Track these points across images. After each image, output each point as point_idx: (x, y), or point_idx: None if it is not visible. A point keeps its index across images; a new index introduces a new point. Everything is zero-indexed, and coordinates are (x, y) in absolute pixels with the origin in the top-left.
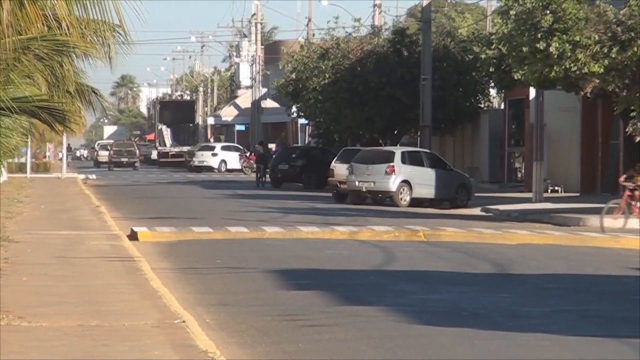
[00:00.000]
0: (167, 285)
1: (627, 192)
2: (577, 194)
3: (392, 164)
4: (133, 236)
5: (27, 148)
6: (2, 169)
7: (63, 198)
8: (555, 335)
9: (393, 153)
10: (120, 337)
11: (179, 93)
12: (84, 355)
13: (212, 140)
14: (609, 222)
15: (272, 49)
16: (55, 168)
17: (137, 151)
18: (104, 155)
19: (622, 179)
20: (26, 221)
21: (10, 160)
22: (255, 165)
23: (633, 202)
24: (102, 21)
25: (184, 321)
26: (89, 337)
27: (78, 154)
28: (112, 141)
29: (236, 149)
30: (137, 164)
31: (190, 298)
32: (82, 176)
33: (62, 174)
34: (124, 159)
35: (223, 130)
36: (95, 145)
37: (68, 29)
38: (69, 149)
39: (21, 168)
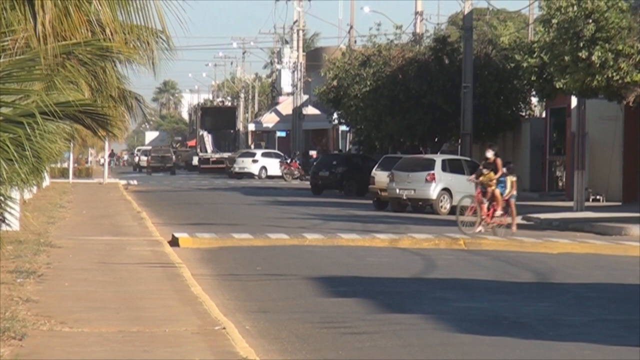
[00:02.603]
0: (208, 292)
1: None
2: (619, 203)
3: (432, 171)
4: (174, 242)
5: (70, 153)
6: (45, 173)
7: (104, 203)
8: (597, 344)
9: (433, 161)
10: (161, 343)
11: (220, 99)
12: None
13: (252, 146)
14: None
15: (313, 56)
16: (97, 173)
17: (174, 157)
18: (143, 160)
19: None
20: (68, 226)
21: (53, 165)
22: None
23: None
24: (145, 27)
25: (224, 328)
26: (130, 343)
27: (125, 157)
28: (150, 147)
29: (277, 156)
30: (174, 169)
31: (230, 305)
32: (123, 182)
33: (104, 180)
34: (161, 164)
35: (264, 137)
36: (135, 151)
37: (112, 34)
38: (112, 154)
39: (63, 173)
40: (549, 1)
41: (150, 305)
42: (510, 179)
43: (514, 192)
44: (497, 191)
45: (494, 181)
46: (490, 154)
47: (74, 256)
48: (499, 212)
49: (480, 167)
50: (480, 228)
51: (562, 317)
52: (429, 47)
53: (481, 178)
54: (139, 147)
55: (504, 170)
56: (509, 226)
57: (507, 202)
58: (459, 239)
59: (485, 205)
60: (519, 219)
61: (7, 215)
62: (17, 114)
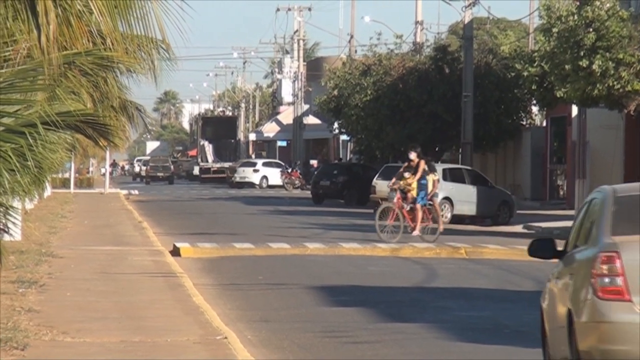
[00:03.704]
0: (209, 301)
1: None
2: None
3: None
4: (175, 252)
5: (71, 163)
6: (47, 183)
7: (106, 213)
8: None
9: None
10: (163, 353)
11: (221, 109)
12: None
13: (253, 156)
14: None
15: (314, 66)
16: (98, 183)
17: (172, 167)
18: (142, 170)
19: None
20: (70, 236)
21: (54, 175)
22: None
23: None
24: (145, 37)
25: (225, 337)
26: (132, 353)
27: (126, 167)
28: (149, 157)
29: (278, 165)
30: (172, 178)
31: (232, 314)
32: (124, 191)
33: (105, 190)
34: (159, 174)
35: (265, 146)
36: (134, 161)
37: (112, 44)
38: (114, 164)
39: (65, 183)
40: (549, 10)
41: (151, 315)
42: (432, 178)
43: (437, 191)
44: (419, 206)
45: (413, 185)
46: (413, 155)
47: (75, 266)
48: (419, 221)
49: (401, 171)
50: (416, 232)
51: None
52: (429, 56)
53: (401, 182)
54: (138, 157)
55: (426, 168)
56: (434, 228)
57: (432, 200)
58: (460, 247)
59: (407, 210)
60: (519, 228)
61: (9, 225)
62: (19, 124)
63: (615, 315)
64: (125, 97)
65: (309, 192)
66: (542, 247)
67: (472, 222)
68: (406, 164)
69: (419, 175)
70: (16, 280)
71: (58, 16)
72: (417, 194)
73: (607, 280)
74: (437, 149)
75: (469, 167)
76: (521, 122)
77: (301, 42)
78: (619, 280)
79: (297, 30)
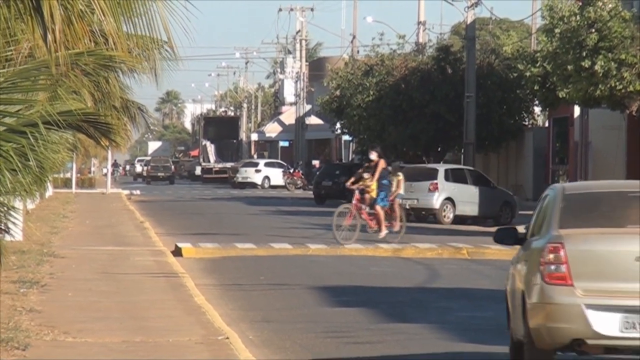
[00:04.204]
0: (211, 302)
1: None
2: None
3: (435, 181)
4: (177, 252)
5: (73, 163)
6: (48, 183)
7: (108, 213)
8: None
9: (436, 170)
10: (165, 353)
11: (223, 109)
12: None
13: (255, 156)
14: None
15: (316, 66)
16: (100, 183)
17: (173, 167)
18: (142, 170)
19: None
20: (71, 236)
21: (56, 175)
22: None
23: None
24: (149, 37)
25: (227, 338)
26: (133, 353)
27: (127, 167)
28: (150, 157)
29: (280, 165)
30: (172, 178)
31: (233, 314)
32: (126, 192)
33: (107, 190)
34: (160, 174)
35: (267, 147)
36: (135, 161)
37: (115, 44)
38: (115, 164)
39: (66, 183)
40: (551, 11)
41: (153, 315)
42: (397, 178)
43: (400, 191)
44: (378, 208)
45: (372, 187)
46: (373, 155)
47: (77, 266)
48: (382, 221)
49: (361, 171)
50: (383, 233)
51: None
52: (431, 56)
53: (360, 183)
54: (139, 158)
55: (389, 168)
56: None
57: (393, 202)
58: (462, 248)
59: (366, 211)
60: (521, 229)
61: (10, 225)
62: (20, 123)
63: (559, 297)
64: (127, 97)
65: (311, 192)
66: (505, 234)
67: (474, 223)
68: (367, 164)
69: (377, 175)
70: (18, 280)
71: (60, 15)
72: (377, 195)
73: (553, 267)
74: (439, 149)
75: (471, 168)
76: (523, 122)
77: (303, 42)
78: (563, 268)
79: (299, 31)
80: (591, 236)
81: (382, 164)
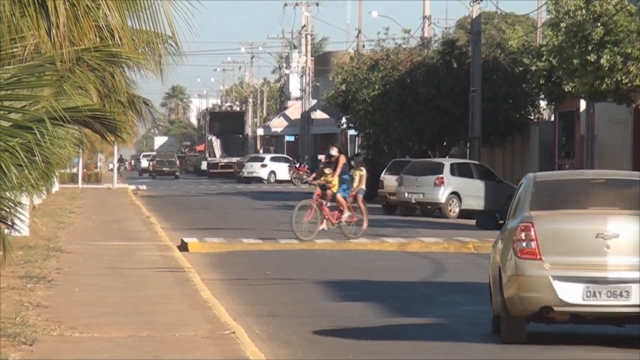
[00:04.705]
0: (217, 296)
1: None
2: None
3: (441, 175)
4: (183, 247)
5: (79, 158)
6: (55, 179)
7: (114, 208)
8: (606, 347)
9: (442, 165)
10: (171, 348)
11: (228, 104)
12: None
13: (261, 151)
14: None
15: (321, 61)
16: (106, 178)
17: (178, 162)
18: (148, 165)
19: None
20: (78, 231)
21: (62, 171)
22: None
23: None
24: (154, 32)
25: (233, 332)
26: (140, 348)
27: (132, 162)
28: (155, 153)
29: (285, 160)
30: (177, 173)
31: (239, 309)
32: (132, 187)
33: (113, 185)
34: (165, 168)
35: (272, 141)
36: (140, 157)
37: (120, 40)
38: (121, 159)
39: (73, 178)
40: (557, 5)
41: (160, 310)
42: (359, 173)
43: (362, 187)
44: (339, 196)
45: (334, 182)
46: (334, 151)
47: (83, 261)
48: (347, 214)
49: (322, 167)
50: (323, 226)
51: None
52: (437, 51)
53: (322, 178)
54: (144, 153)
55: (352, 163)
56: (359, 223)
57: (355, 197)
58: (468, 242)
59: (327, 206)
60: None
61: (16, 220)
62: (26, 119)
63: (530, 270)
64: (133, 92)
65: None
66: (486, 220)
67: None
68: (327, 159)
69: (338, 171)
70: (24, 275)
71: (66, 11)
72: (338, 188)
73: (524, 244)
74: (445, 144)
75: (476, 162)
76: (529, 116)
77: (309, 37)
78: (533, 244)
79: (304, 25)
80: (557, 217)
81: (342, 159)
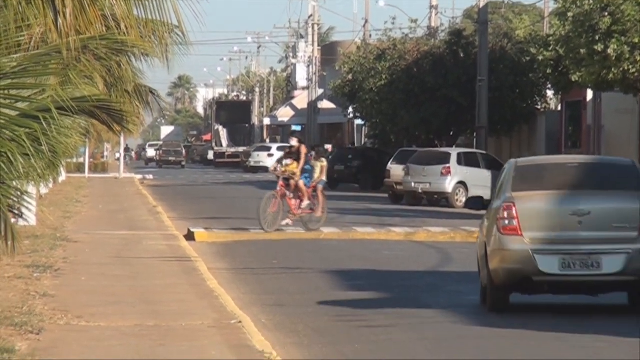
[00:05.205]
0: (224, 286)
1: None
2: None
3: (448, 165)
4: (190, 236)
5: (86, 148)
6: (61, 168)
7: (120, 198)
8: (613, 337)
9: (449, 154)
10: (178, 337)
11: (235, 93)
12: (141, 356)
13: (268, 140)
14: None
15: (328, 50)
16: (113, 168)
17: (184, 151)
18: (154, 155)
19: None
20: (84, 221)
21: (69, 160)
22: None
23: None
24: (160, 22)
25: (240, 321)
26: (147, 337)
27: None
28: (161, 142)
29: None
30: (183, 163)
31: (246, 298)
32: (139, 176)
33: (120, 174)
34: (171, 158)
35: (279, 131)
36: (146, 146)
37: (127, 29)
38: (127, 149)
39: (79, 168)
40: None
41: (166, 299)
42: (320, 164)
43: (323, 178)
44: (301, 182)
45: (298, 174)
46: (294, 141)
47: (90, 251)
48: (306, 203)
49: (281, 157)
50: (287, 221)
51: (579, 310)
52: (444, 40)
53: (283, 169)
54: (150, 142)
55: (313, 154)
56: (319, 216)
57: (315, 188)
58: (474, 232)
59: (292, 198)
60: None
61: (23, 210)
62: (33, 108)
63: (511, 245)
64: (140, 81)
65: None
66: (474, 202)
67: (486, 207)
68: (287, 150)
69: (302, 162)
70: (31, 264)
71: (73, 0)
72: (300, 177)
73: (507, 221)
74: (451, 133)
75: (483, 152)
76: (536, 106)
77: (316, 27)
78: (515, 222)
79: (311, 15)
80: (536, 197)
81: (304, 149)
